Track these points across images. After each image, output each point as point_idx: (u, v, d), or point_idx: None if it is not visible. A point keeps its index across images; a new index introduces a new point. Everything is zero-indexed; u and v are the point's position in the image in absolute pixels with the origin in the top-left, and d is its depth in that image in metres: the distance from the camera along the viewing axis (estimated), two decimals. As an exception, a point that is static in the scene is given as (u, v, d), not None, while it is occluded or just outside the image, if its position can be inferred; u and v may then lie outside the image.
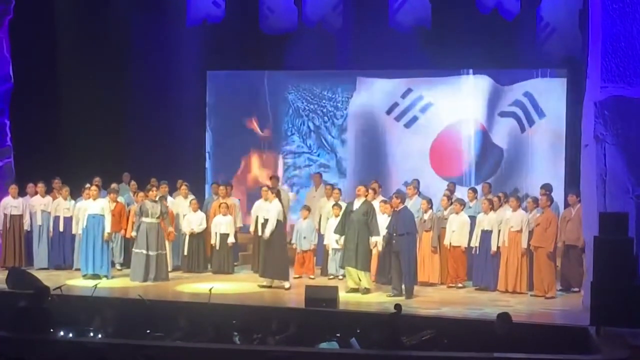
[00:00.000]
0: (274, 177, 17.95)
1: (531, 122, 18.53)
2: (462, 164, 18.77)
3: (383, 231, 14.67)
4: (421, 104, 19.02)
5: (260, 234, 15.75)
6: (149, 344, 10.79)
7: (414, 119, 19.08)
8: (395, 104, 19.19)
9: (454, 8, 17.60)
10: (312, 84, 19.75)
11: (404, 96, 19.14)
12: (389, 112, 19.24)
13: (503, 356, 9.94)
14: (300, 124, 19.95)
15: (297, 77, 19.88)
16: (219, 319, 12.26)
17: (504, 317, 10.88)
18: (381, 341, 10.46)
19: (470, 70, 18.69)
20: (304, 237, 16.26)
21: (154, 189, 15.87)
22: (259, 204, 16.19)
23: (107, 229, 15.70)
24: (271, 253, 14.97)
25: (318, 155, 19.89)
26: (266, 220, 15.40)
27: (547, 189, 15.65)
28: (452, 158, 18.88)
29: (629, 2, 12.46)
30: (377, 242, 14.66)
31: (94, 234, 15.67)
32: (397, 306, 11.40)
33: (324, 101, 19.78)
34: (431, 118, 19.03)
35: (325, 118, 19.83)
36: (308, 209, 16.58)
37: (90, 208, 15.78)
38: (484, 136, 18.74)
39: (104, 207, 15.79)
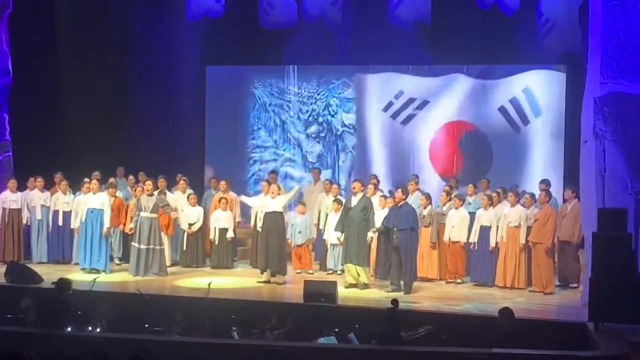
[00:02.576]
0: (273, 172, 17.98)
1: (530, 118, 18.53)
2: (461, 160, 18.76)
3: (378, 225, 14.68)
4: (418, 100, 19.02)
5: (259, 229, 15.79)
6: (148, 338, 10.79)
7: (411, 116, 19.09)
8: (393, 101, 19.18)
9: (454, 3, 17.59)
10: (278, 78, 19.86)
11: (401, 93, 19.14)
12: (386, 108, 19.25)
13: (502, 352, 9.94)
14: (267, 119, 20.03)
15: (263, 72, 20.02)
16: (217, 314, 12.27)
17: (506, 311, 10.89)
18: (380, 336, 10.47)
19: (470, 65, 18.67)
20: (299, 232, 16.26)
21: (148, 182, 15.87)
22: (259, 199, 16.19)
23: (106, 223, 15.71)
24: (271, 246, 14.96)
25: (284, 150, 20.01)
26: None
27: (546, 184, 15.67)
28: (449, 156, 18.89)
29: (629, -1, 12.47)
30: (371, 237, 14.64)
31: (92, 228, 15.68)
32: (394, 301, 11.39)
33: (290, 96, 19.89)
34: (430, 114, 19.03)
35: (291, 113, 19.94)
36: (304, 204, 16.57)
37: (89, 202, 15.80)
38: (482, 132, 18.74)
39: (103, 202, 15.79)
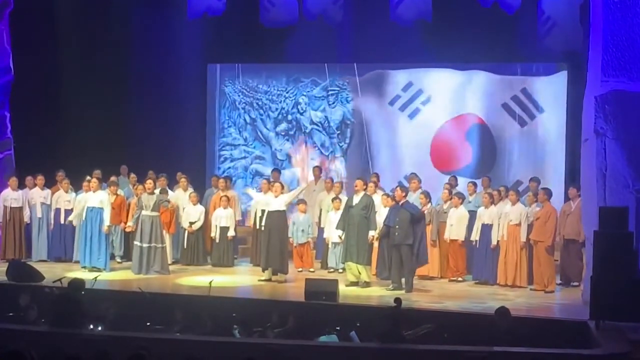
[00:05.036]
0: (275, 170, 17.97)
1: (531, 116, 18.51)
2: (462, 157, 18.77)
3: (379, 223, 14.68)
4: (421, 98, 19.04)
5: (259, 227, 15.80)
6: (149, 336, 10.80)
7: (416, 110, 19.10)
8: (396, 97, 19.20)
9: (455, 1, 17.59)
10: (248, 77, 19.93)
11: (404, 90, 19.16)
12: (390, 104, 19.25)
13: (503, 350, 9.95)
14: (237, 117, 20.15)
15: (233, 70, 20.07)
16: (218, 312, 12.27)
17: (502, 311, 10.90)
18: (382, 335, 10.47)
19: (471, 64, 18.65)
20: (302, 230, 16.26)
21: (149, 181, 15.88)
22: (258, 197, 16.19)
23: (107, 221, 15.70)
24: (273, 245, 14.95)
25: (254, 147, 20.10)
26: (263, 212, 15.47)
27: (536, 182, 15.71)
28: (451, 153, 18.90)
29: (631, -4, 12.45)
30: (373, 236, 14.65)
31: (92, 227, 15.68)
32: (397, 300, 11.39)
33: (259, 94, 20.01)
34: (431, 112, 19.03)
35: (261, 111, 20.05)
36: (305, 202, 16.56)
37: (89, 200, 15.79)
38: (484, 130, 18.74)
39: (103, 200, 15.78)
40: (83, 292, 11.40)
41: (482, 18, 17.47)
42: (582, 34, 15.95)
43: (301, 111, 19.83)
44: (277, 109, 19.95)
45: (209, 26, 18.97)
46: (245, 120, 20.13)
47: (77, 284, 11.32)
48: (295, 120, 19.87)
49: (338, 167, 19.60)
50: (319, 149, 19.75)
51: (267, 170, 19.36)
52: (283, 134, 19.92)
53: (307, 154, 19.79)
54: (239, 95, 20.11)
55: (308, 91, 19.78)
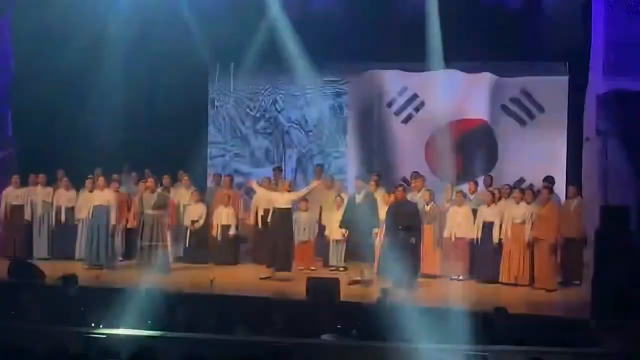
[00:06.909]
0: (277, 169, 17.97)
1: (532, 116, 18.48)
2: (462, 157, 18.73)
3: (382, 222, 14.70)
4: (419, 99, 18.99)
5: (260, 225, 15.80)
6: (151, 334, 10.80)
7: (410, 115, 19.07)
8: (395, 98, 19.17)
9: (457, 0, 17.57)
10: (226, 75, 19.94)
11: (403, 90, 19.12)
12: (389, 105, 19.23)
13: (503, 348, 9.96)
14: (215, 114, 20.16)
15: (212, 70, 20.06)
16: (220, 310, 12.28)
17: (501, 310, 10.93)
18: (362, 331, 10.44)
19: (472, 63, 18.63)
20: (304, 229, 16.27)
21: (150, 179, 15.90)
22: (259, 195, 16.18)
23: (113, 220, 15.73)
24: (278, 245, 14.95)
25: (232, 146, 20.12)
26: (266, 211, 15.47)
27: (549, 181, 15.68)
28: (448, 155, 18.81)
29: (632, -5, 12.48)
30: (377, 233, 14.67)
31: (98, 225, 15.71)
32: (383, 291, 11.30)
33: (237, 92, 19.99)
34: (431, 112, 18.95)
35: (239, 109, 20.02)
36: (307, 200, 16.56)
37: (95, 199, 15.84)
38: (485, 129, 18.72)
39: (109, 199, 15.83)
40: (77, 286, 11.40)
41: (484, 17, 17.46)
42: (584, 33, 15.96)
43: (279, 109, 19.87)
44: (255, 107, 19.98)
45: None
46: (223, 118, 20.15)
47: (69, 279, 11.29)
48: (273, 118, 19.91)
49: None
50: (296, 146, 19.78)
51: (246, 168, 19.41)
52: (261, 131, 19.95)
53: (284, 152, 19.82)
54: (217, 94, 20.13)
55: (286, 89, 19.80)
